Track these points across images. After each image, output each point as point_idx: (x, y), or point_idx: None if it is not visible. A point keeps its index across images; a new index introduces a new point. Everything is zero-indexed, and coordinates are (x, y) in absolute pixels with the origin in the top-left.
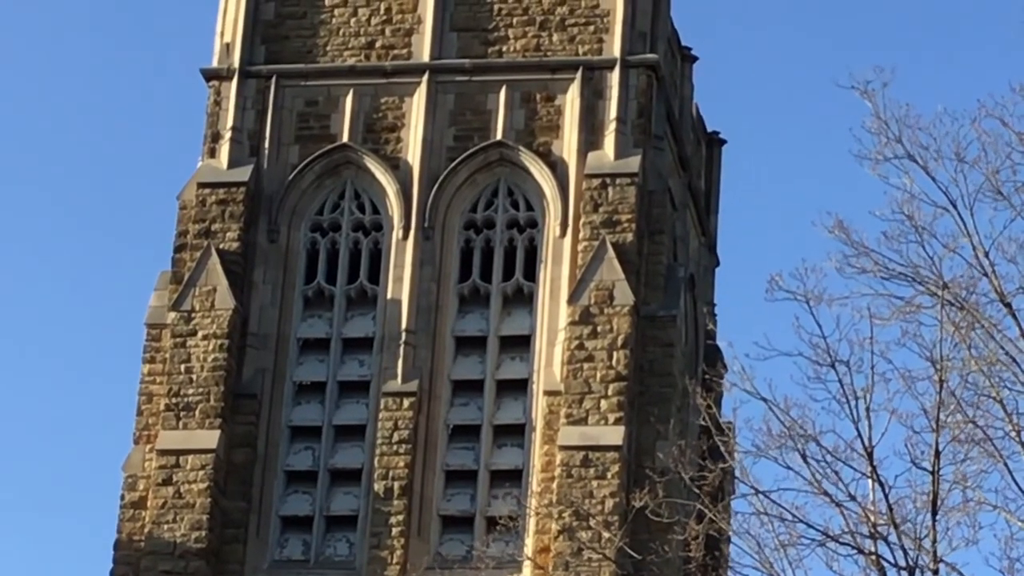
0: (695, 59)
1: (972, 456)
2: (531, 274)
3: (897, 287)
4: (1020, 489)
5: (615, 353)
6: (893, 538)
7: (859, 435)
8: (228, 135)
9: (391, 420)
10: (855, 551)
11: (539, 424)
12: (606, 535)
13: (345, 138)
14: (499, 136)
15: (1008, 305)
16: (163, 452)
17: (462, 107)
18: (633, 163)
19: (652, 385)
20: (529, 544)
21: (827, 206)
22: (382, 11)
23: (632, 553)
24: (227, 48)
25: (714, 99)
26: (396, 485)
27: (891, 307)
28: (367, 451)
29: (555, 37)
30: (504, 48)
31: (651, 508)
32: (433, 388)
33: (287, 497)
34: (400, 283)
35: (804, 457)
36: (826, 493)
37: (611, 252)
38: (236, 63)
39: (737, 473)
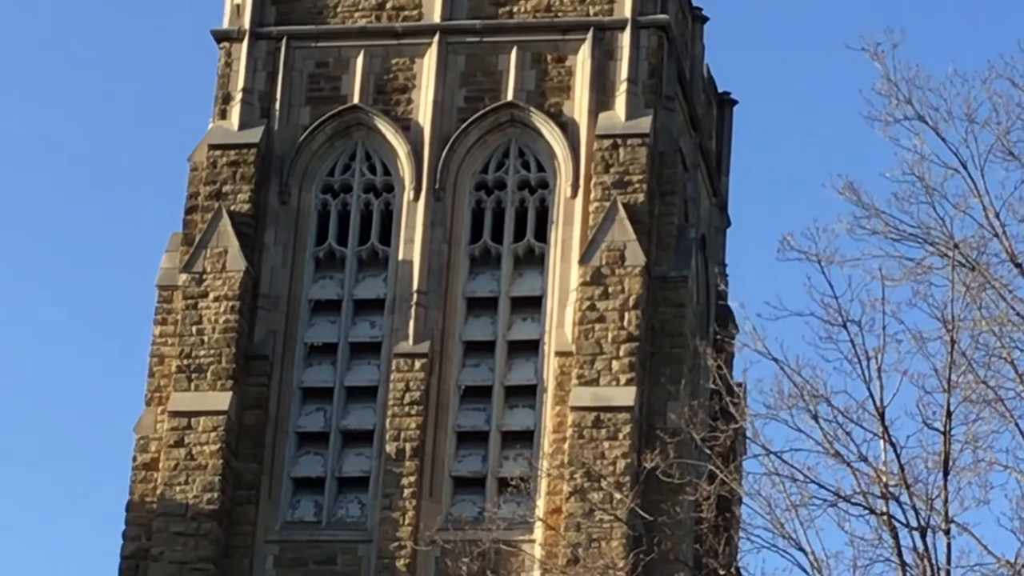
0: (706, 19)
1: (983, 416)
2: (542, 235)
3: (908, 248)
4: None
5: (626, 314)
6: (904, 498)
7: (871, 395)
8: (239, 97)
9: (402, 381)
10: (867, 511)
11: (551, 385)
12: (617, 496)
13: (356, 99)
14: (510, 97)
15: (1019, 265)
16: (175, 414)
17: (473, 68)
18: (644, 124)
19: (663, 346)
20: (540, 505)
21: (837, 167)
22: None
23: (643, 514)
24: (237, 9)
25: (725, 60)
26: (408, 446)
27: (902, 268)
28: (379, 412)
29: None
30: (515, 9)
31: (662, 469)
32: (444, 349)
33: (299, 458)
34: (411, 244)
35: (816, 418)
36: (837, 454)
37: (622, 213)
38: (246, 24)
39: (748, 434)
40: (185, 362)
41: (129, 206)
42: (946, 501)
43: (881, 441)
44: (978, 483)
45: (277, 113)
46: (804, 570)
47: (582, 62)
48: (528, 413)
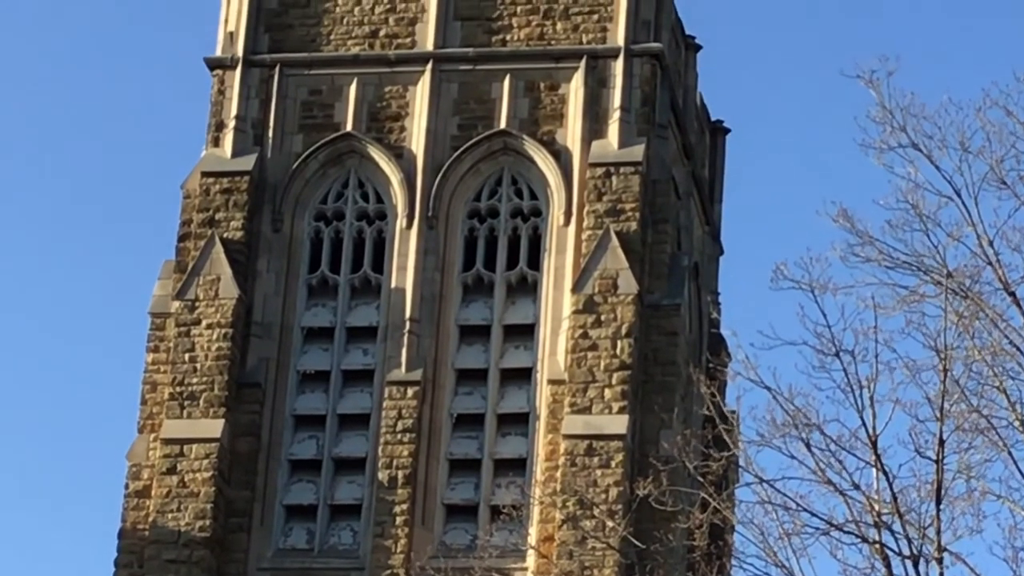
0: (699, 48)
1: (976, 445)
2: (535, 263)
3: (901, 276)
4: None
5: (619, 342)
6: (897, 527)
7: (863, 424)
8: (232, 124)
9: (395, 409)
10: (859, 540)
11: (543, 413)
12: (610, 524)
13: (349, 127)
14: (503, 125)
15: (1012, 294)
16: (167, 441)
17: (466, 96)
18: (637, 152)
19: (656, 374)
20: (533, 533)
21: (831, 195)
22: (386, 0)
23: (636, 542)
24: (231, 37)
25: (718, 88)
26: (400, 474)
27: (895, 296)
28: (371, 440)
29: (559, 26)
30: (508, 37)
31: (655, 497)
32: (437, 377)
33: (291, 486)
34: (404, 272)
35: (808, 446)
36: (830, 482)
37: (615, 241)
38: (240, 52)
39: (741, 462)
40: (178, 389)
41: (122, 233)
42: (939, 530)
43: (874, 470)
44: (971, 512)
45: (270, 141)
46: None
47: (575, 90)
48: (520, 441)
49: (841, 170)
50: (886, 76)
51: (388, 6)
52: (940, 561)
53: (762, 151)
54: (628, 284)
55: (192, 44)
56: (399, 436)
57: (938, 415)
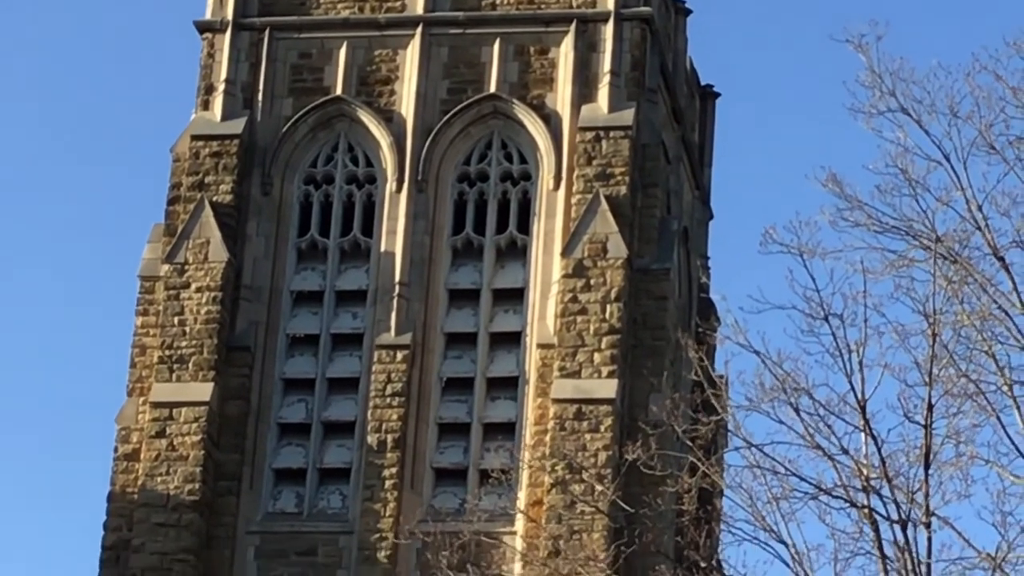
0: (689, 12)
1: (964, 410)
2: (524, 227)
3: (890, 241)
4: (1012, 443)
5: (608, 306)
6: (886, 492)
7: (852, 389)
8: (221, 87)
9: (384, 373)
10: (848, 504)
11: (532, 377)
12: (599, 488)
13: (339, 91)
14: (493, 89)
15: (1001, 259)
16: (156, 404)
17: (456, 60)
18: (627, 116)
19: (645, 338)
20: (522, 497)
21: (821, 159)
22: None
23: (625, 506)
24: (220, 0)
25: (708, 52)
26: (389, 438)
27: (884, 261)
28: (360, 404)
29: None
30: (498, 0)
31: (644, 461)
32: (426, 341)
33: (280, 449)
34: (393, 236)
35: (797, 410)
36: (819, 447)
37: (604, 205)
38: (229, 15)
39: (730, 426)
40: (167, 353)
41: (111, 196)
42: (927, 495)
43: (862, 434)
44: (959, 477)
45: (260, 104)
46: (785, 563)
47: (565, 54)
48: (510, 405)
49: (830, 134)
50: (875, 40)
51: None
52: (928, 526)
53: (752, 115)
54: (617, 248)
55: (181, 7)
56: (388, 400)
57: (927, 380)
